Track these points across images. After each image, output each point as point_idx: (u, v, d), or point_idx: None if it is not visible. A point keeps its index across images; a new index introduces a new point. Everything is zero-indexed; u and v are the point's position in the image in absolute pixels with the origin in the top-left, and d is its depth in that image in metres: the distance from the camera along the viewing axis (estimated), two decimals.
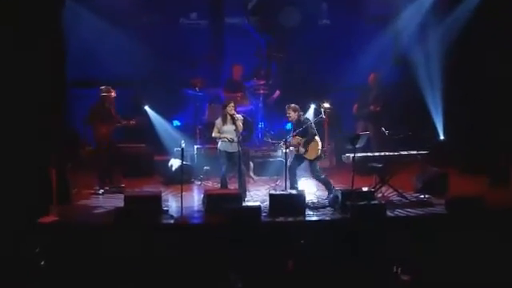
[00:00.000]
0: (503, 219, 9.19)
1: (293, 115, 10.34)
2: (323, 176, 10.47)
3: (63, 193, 9.97)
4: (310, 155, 10.33)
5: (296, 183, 10.47)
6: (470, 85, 12.53)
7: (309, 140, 10.26)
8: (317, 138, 10.32)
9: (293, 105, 10.38)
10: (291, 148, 10.36)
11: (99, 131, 10.89)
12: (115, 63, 12.82)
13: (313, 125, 10.32)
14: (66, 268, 8.33)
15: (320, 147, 10.32)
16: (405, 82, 13.34)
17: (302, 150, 10.31)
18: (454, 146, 12.47)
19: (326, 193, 10.66)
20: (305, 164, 10.55)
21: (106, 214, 9.49)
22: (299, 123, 10.33)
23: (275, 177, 11.65)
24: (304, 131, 10.25)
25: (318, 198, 10.54)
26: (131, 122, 11.25)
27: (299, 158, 10.42)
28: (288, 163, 10.21)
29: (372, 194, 9.93)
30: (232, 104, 10.25)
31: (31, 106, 9.28)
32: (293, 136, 10.34)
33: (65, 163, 10.16)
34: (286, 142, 10.24)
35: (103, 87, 10.98)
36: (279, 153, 12.30)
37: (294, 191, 10.11)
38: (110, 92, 10.92)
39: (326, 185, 10.44)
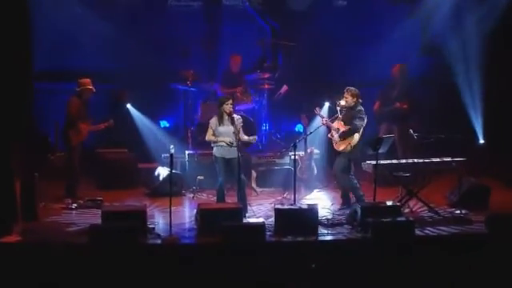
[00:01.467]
0: None
1: (350, 100, 10.43)
2: (344, 175, 10.48)
3: (29, 207, 9.91)
4: (339, 146, 10.43)
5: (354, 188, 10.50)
6: None
7: (350, 132, 10.35)
8: (357, 135, 10.36)
9: (353, 88, 10.49)
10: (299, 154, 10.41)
11: (77, 133, 10.91)
12: (91, 53, 12.85)
13: (364, 122, 10.40)
14: None
15: (352, 145, 10.34)
16: (436, 74, 13.29)
17: (335, 136, 10.43)
18: (496, 152, 12.39)
19: (343, 207, 10.64)
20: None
21: (80, 233, 9.43)
22: (351, 111, 10.41)
23: (282, 188, 11.60)
24: (350, 121, 10.34)
25: (333, 213, 10.49)
26: (100, 126, 11.25)
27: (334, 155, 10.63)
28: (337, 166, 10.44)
29: (398, 208, 9.87)
30: (230, 101, 10.21)
31: None
32: (338, 118, 10.49)
33: (31, 172, 10.11)
34: (327, 120, 10.57)
35: (82, 79, 10.98)
36: (287, 160, 12.25)
37: (305, 205, 10.06)
38: (90, 86, 10.92)
39: (347, 189, 10.50)
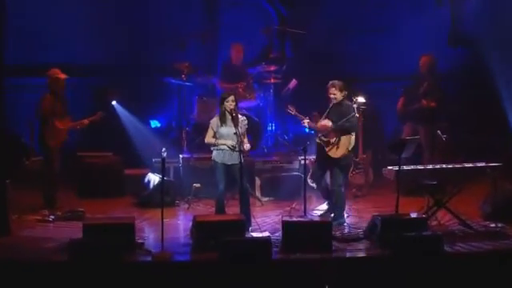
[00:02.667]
0: None
1: (338, 95, 10.44)
2: (342, 190, 10.52)
3: (0, 220, 9.92)
4: (336, 152, 10.37)
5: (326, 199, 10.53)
6: None
7: (345, 128, 10.35)
8: (353, 136, 10.40)
9: (337, 81, 10.49)
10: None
11: (54, 133, 10.92)
12: (71, 43, 12.85)
13: (355, 117, 10.43)
14: None
15: (350, 148, 10.37)
16: (468, 68, 13.26)
17: (327, 140, 10.36)
18: None
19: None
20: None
21: (59, 249, 9.41)
22: (339, 107, 10.43)
23: (290, 198, 11.61)
24: (340, 119, 10.33)
25: (349, 226, 10.49)
26: (83, 122, 11.25)
27: (324, 160, 10.44)
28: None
29: (424, 221, 9.85)
30: (232, 97, 10.19)
31: None
32: (325, 117, 10.43)
33: (2, 179, 10.12)
34: (310, 121, 10.48)
35: (50, 71, 11.01)
36: (296, 165, 12.24)
37: (316, 217, 10.05)
38: (58, 75, 10.95)
39: (337, 203, 10.52)
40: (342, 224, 10.27)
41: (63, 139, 11.07)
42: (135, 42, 13.38)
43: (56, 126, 10.96)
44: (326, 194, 10.78)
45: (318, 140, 10.56)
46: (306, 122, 10.63)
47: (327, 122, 10.47)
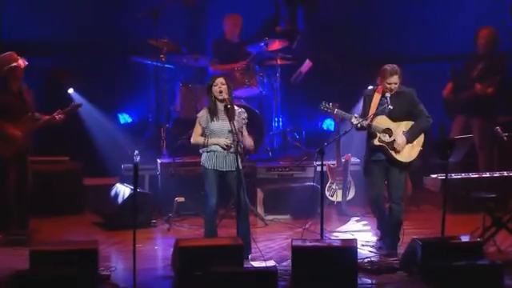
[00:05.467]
0: None
1: (399, 82, 10.23)
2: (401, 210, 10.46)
3: None
4: (404, 155, 10.26)
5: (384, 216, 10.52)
6: None
7: (426, 125, 10.28)
8: None
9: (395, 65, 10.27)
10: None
11: (5, 138, 10.87)
12: (15, 14, 12.89)
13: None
14: None
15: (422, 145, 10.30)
16: None
17: (400, 140, 10.20)
18: None
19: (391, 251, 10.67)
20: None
21: None
22: (400, 97, 10.29)
23: (302, 216, 11.61)
24: (406, 112, 10.27)
25: (379, 252, 10.50)
26: (57, 117, 11.18)
27: (384, 163, 10.41)
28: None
29: (479, 246, 9.86)
30: (222, 80, 10.11)
31: None
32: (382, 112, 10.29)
33: None
34: (371, 118, 10.20)
35: (5, 54, 10.95)
36: (310, 172, 12.26)
37: (337, 241, 10.06)
38: (17, 60, 10.92)
39: (393, 231, 10.49)
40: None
41: (22, 145, 10.94)
42: (98, 10, 13.39)
43: (7, 130, 10.85)
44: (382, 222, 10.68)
45: (377, 142, 10.37)
46: (355, 120, 10.31)
47: (402, 139, 10.28)
